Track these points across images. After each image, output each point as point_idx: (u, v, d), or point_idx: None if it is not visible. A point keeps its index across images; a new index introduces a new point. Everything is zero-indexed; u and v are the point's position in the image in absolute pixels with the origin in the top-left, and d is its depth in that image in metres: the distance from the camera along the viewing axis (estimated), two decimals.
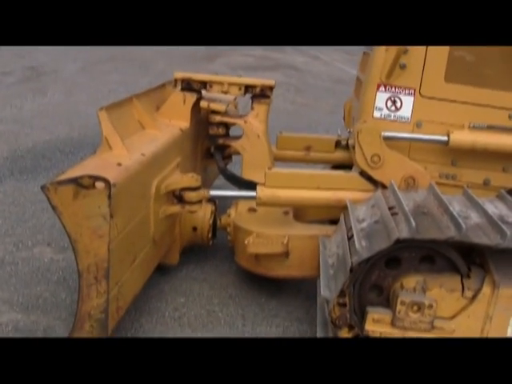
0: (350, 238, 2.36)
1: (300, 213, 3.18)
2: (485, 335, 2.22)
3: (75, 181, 2.05)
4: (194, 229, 3.15)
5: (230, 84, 3.25)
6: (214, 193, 2.96)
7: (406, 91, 2.77)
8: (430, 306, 2.17)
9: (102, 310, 2.19)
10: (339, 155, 3.71)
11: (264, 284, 3.13)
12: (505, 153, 2.76)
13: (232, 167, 3.61)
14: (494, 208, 2.38)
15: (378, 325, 2.25)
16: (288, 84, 8.85)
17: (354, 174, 2.94)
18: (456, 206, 2.34)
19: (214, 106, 3.27)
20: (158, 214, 2.70)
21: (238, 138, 3.35)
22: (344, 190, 2.81)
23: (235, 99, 3.67)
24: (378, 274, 2.28)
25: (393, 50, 2.68)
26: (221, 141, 3.40)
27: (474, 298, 2.21)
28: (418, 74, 2.74)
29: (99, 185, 2.06)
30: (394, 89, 2.78)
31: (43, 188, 2.03)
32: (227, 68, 9.61)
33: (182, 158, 3.07)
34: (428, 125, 2.79)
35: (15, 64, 8.91)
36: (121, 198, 2.21)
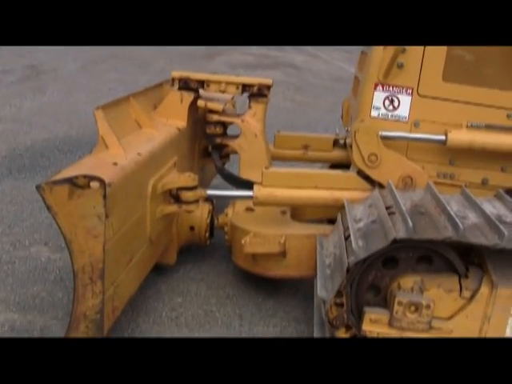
0: (347, 237, 2.35)
1: (297, 212, 3.17)
2: (483, 335, 2.21)
3: (70, 180, 2.03)
4: (192, 228, 3.14)
5: (228, 83, 3.23)
6: (211, 192, 2.95)
7: (404, 90, 2.75)
8: (428, 307, 2.16)
9: (97, 310, 2.18)
10: (337, 154, 3.70)
11: (261, 284, 3.12)
12: (503, 152, 2.75)
13: (230, 166, 3.60)
14: (492, 208, 2.37)
15: (376, 325, 2.24)
16: (288, 82, 8.83)
17: (351, 174, 2.93)
18: (454, 206, 2.33)
19: (212, 105, 3.26)
20: (154, 214, 2.69)
21: (235, 137, 3.34)
22: (341, 189, 2.80)
23: (233, 98, 3.65)
24: (375, 273, 2.28)
25: (390, 49, 2.66)
26: (218, 140, 3.39)
27: (472, 298, 2.20)
28: (415, 73, 2.73)
29: (94, 184, 2.04)
30: (391, 88, 2.76)
31: (38, 188, 2.02)
32: (227, 66, 9.60)
33: (179, 157, 3.06)
34: (426, 124, 2.78)
35: (15, 63, 8.90)
36: (116, 197, 2.20)
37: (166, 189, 2.77)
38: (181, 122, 3.23)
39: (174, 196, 2.81)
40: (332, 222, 2.78)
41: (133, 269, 2.53)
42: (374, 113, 2.81)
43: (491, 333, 2.21)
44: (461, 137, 2.72)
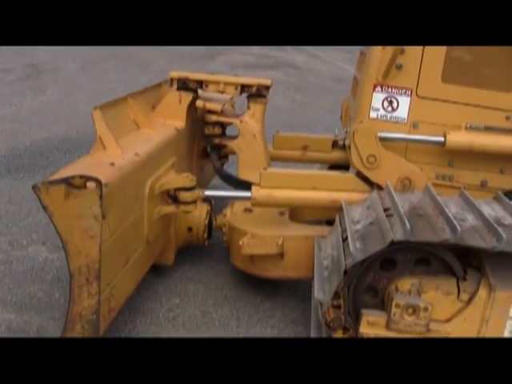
0: (345, 239, 2.34)
1: (296, 213, 3.16)
2: None
3: (66, 181, 2.03)
4: (190, 229, 3.13)
5: (226, 83, 3.23)
6: (209, 193, 2.94)
7: (403, 92, 2.74)
8: (426, 309, 2.15)
9: (93, 311, 2.17)
10: (336, 155, 3.69)
11: (259, 285, 3.11)
12: (502, 154, 2.74)
13: (228, 167, 3.59)
14: (491, 210, 2.36)
15: (373, 327, 2.23)
16: (288, 82, 8.83)
17: (350, 175, 2.92)
18: (452, 208, 2.32)
19: (210, 106, 3.26)
20: (152, 215, 2.68)
21: (234, 137, 3.34)
22: (340, 190, 2.79)
23: (232, 98, 3.65)
24: (372, 275, 2.27)
25: (389, 49, 2.65)
26: (217, 140, 3.38)
27: (470, 300, 2.19)
28: (414, 74, 2.72)
29: (90, 185, 2.03)
30: (390, 89, 2.75)
31: (34, 188, 2.01)
32: (227, 66, 9.59)
33: (177, 157, 3.05)
34: (424, 125, 2.77)
35: (15, 62, 8.89)
36: (113, 198, 2.19)
37: (164, 189, 2.76)
38: (179, 122, 3.22)
39: (172, 196, 2.80)
40: (330, 223, 2.77)
41: (129, 270, 2.52)
42: (372, 114, 2.80)
43: (489, 335, 2.20)
44: (460, 138, 2.71)
